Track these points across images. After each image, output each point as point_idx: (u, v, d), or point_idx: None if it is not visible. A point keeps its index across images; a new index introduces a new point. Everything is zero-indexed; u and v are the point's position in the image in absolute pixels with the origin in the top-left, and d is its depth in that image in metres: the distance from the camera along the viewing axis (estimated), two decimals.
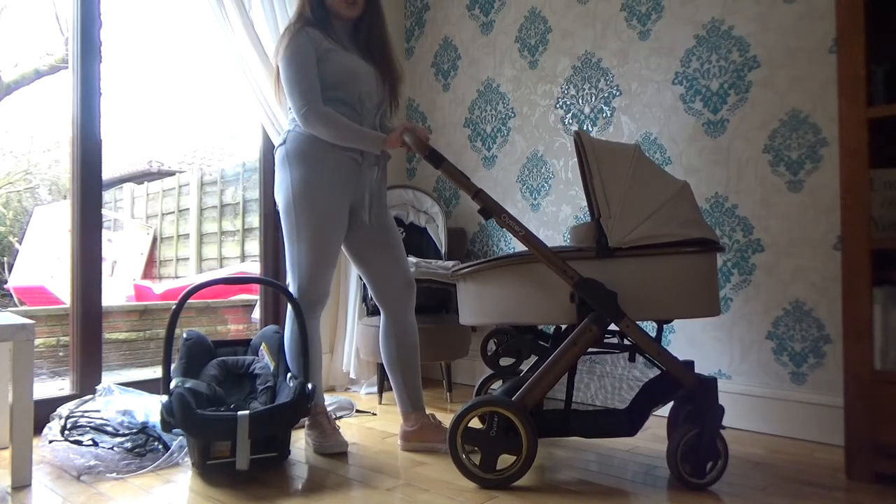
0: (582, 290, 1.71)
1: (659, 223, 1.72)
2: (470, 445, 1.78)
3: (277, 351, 2.19)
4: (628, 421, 1.81)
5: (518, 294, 1.80)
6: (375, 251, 2.19)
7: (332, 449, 2.11)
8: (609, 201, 1.73)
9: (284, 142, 2.12)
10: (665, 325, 2.17)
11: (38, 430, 1.94)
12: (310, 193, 2.05)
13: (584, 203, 2.80)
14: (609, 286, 1.71)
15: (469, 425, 1.79)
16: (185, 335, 2.25)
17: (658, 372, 1.88)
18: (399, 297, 2.20)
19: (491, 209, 1.84)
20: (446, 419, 2.35)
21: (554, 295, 1.76)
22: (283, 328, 2.22)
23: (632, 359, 1.95)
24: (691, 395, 1.75)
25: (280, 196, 2.11)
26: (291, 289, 2.13)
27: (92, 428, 1.99)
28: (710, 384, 1.76)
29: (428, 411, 2.23)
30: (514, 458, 1.76)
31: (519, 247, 3.00)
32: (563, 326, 1.97)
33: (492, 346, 2.24)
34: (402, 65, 2.24)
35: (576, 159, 2.82)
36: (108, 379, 2.37)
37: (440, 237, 3.03)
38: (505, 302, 1.82)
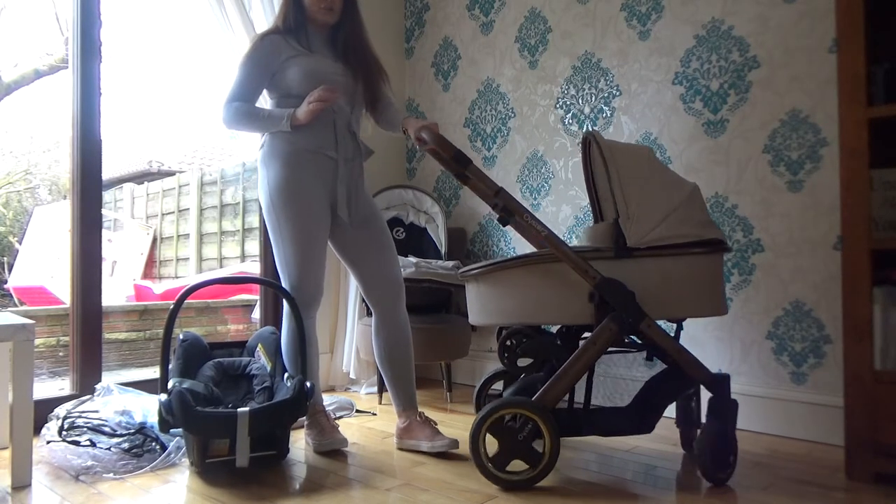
0: (604, 291, 1.72)
1: (675, 224, 1.75)
2: (495, 437, 1.74)
3: (274, 352, 2.19)
4: (642, 419, 1.82)
5: (534, 294, 1.80)
6: (360, 249, 2.19)
7: (331, 445, 2.10)
8: (627, 202, 1.75)
9: (263, 144, 2.15)
10: (671, 324, 2.17)
11: (37, 430, 1.94)
12: (287, 191, 2.07)
13: (585, 203, 2.80)
14: (627, 286, 1.72)
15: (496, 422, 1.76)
16: (181, 336, 2.25)
17: (665, 369, 1.89)
18: (386, 295, 2.19)
19: (512, 209, 1.83)
20: (446, 419, 2.35)
21: (571, 295, 1.76)
22: (280, 329, 2.22)
23: (649, 358, 1.94)
24: (697, 391, 1.77)
25: (261, 197, 2.15)
26: None
27: (89, 428, 1.98)
28: (724, 381, 1.81)
29: (427, 412, 2.23)
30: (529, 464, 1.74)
31: (520, 247, 2.99)
32: (574, 327, 1.96)
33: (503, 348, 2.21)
34: (381, 63, 2.23)
35: (576, 159, 2.84)
36: (108, 379, 2.36)
37: (440, 237, 3.03)
38: (520, 302, 1.82)
